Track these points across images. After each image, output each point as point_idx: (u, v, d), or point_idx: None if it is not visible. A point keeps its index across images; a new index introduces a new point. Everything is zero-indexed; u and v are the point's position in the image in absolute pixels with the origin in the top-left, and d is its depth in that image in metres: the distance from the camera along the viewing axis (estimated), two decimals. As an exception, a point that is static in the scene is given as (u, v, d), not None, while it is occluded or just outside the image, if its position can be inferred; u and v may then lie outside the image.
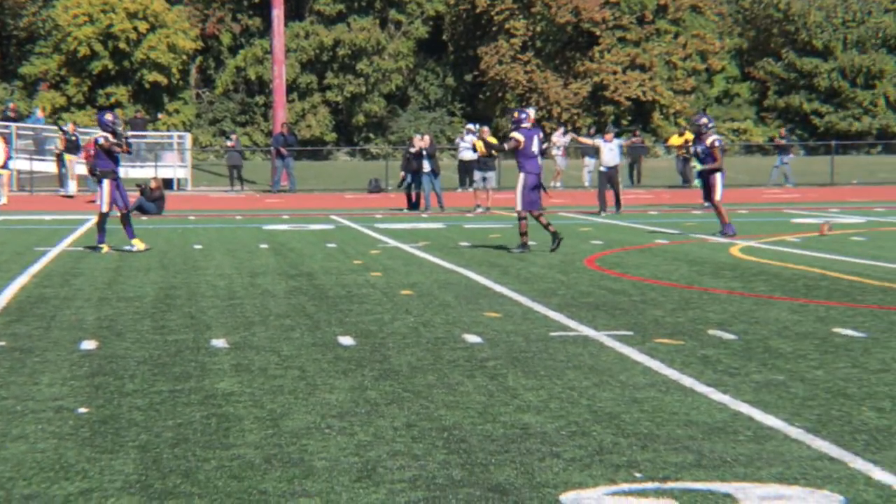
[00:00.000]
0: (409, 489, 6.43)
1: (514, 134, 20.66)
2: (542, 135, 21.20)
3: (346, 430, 7.76)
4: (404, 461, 6.99)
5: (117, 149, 20.86)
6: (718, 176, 23.99)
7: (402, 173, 36.48)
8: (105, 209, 20.95)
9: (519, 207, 20.69)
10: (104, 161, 21.03)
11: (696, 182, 38.74)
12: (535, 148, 20.59)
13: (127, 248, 21.00)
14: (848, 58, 70.56)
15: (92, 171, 24.31)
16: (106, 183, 20.91)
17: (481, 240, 23.49)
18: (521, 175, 20.62)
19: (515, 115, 21.22)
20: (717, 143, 23.98)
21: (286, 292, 15.16)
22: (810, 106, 70.82)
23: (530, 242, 20.83)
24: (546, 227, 20.61)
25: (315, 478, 6.65)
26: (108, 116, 21.44)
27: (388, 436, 7.60)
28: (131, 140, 23.00)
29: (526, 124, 20.73)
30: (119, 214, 21.15)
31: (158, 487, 6.49)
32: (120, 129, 21.11)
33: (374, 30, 69.50)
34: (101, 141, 20.90)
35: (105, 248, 20.91)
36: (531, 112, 21.57)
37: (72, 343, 11.21)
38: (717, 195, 24.00)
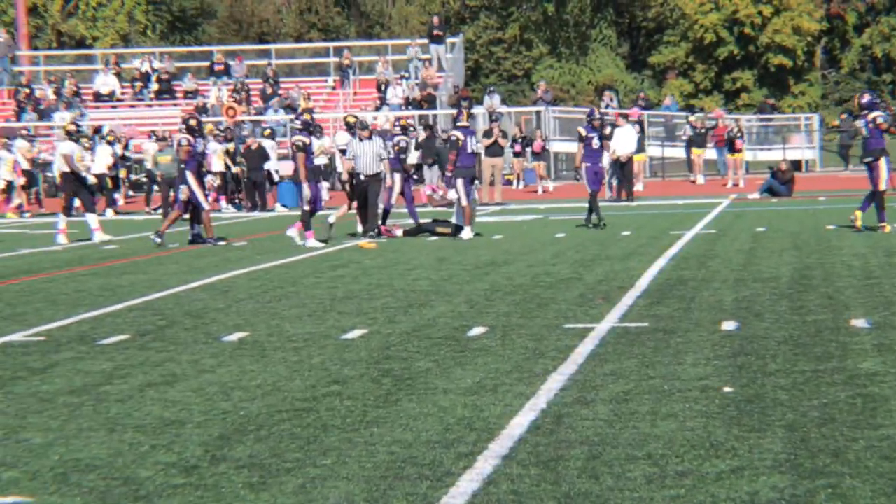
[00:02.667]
0: None
1: None
2: None
3: None
4: None
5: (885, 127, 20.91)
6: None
7: None
8: (882, 187, 20.80)
9: None
10: (875, 140, 21.00)
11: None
12: None
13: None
14: None
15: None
16: (881, 161, 20.84)
17: None
18: None
19: None
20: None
21: (926, 272, 14.75)
22: None
23: None
24: None
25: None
26: (866, 98, 21.65)
27: None
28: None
29: None
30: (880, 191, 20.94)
31: (808, 466, 6.47)
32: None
33: None
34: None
35: (887, 228, 20.57)
36: None
37: (712, 324, 11.35)
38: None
